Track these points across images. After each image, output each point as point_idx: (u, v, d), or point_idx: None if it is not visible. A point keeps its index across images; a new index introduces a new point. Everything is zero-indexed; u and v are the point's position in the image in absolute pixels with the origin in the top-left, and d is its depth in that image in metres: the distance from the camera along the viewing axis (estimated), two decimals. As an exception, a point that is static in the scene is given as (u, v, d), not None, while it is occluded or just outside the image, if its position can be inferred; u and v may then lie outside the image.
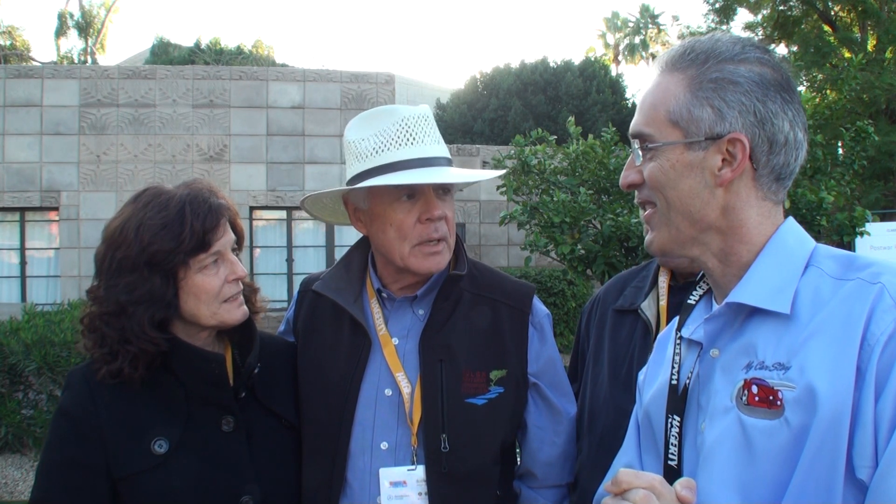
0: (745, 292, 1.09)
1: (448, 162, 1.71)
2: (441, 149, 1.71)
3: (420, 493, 1.63)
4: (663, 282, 1.93)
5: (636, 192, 1.21)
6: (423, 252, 1.67)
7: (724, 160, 1.10)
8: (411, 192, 1.66)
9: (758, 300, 1.07)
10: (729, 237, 1.13)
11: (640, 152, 1.16)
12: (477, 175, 1.77)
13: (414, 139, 1.67)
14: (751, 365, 1.06)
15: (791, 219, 1.16)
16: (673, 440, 1.15)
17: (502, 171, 1.91)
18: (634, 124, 1.17)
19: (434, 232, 1.66)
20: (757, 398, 1.02)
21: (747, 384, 1.04)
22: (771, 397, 1.01)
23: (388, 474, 1.64)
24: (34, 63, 26.27)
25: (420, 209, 1.66)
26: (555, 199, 7.61)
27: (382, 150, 1.66)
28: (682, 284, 1.89)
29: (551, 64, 25.15)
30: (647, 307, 1.91)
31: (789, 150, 1.11)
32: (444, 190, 1.70)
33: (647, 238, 1.21)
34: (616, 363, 1.92)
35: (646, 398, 1.29)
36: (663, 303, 1.90)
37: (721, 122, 1.09)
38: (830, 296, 1.04)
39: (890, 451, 0.92)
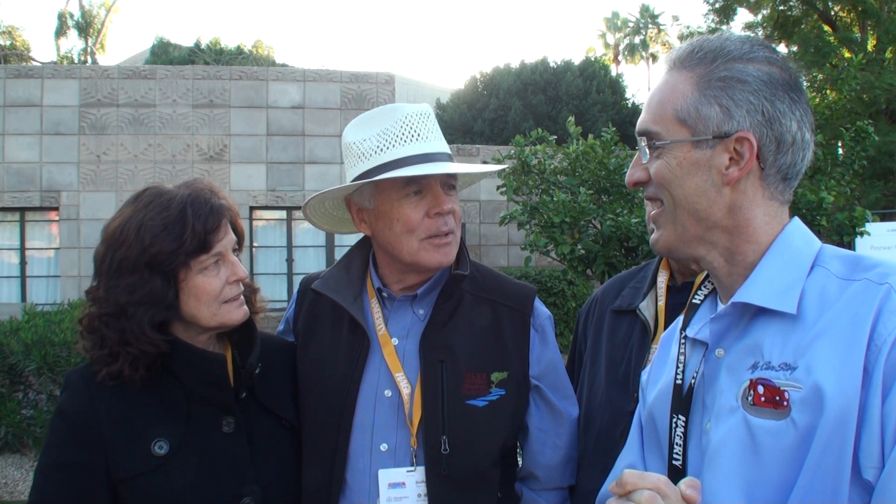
0: (751, 292, 1.09)
1: (450, 157, 1.73)
2: (443, 145, 1.73)
3: (419, 495, 1.62)
4: (662, 282, 1.92)
5: (643, 190, 1.21)
6: (432, 245, 1.67)
7: (731, 159, 1.09)
8: (419, 188, 1.66)
9: (764, 300, 1.07)
10: (735, 236, 1.12)
11: (647, 150, 1.16)
12: (483, 167, 1.81)
13: (418, 136, 1.68)
14: (757, 365, 1.06)
15: (797, 219, 1.16)
16: (677, 440, 1.15)
17: (504, 166, 1.96)
18: (641, 122, 1.17)
19: (444, 226, 1.67)
20: (763, 398, 1.02)
21: (753, 384, 1.04)
22: (777, 397, 1.01)
23: (387, 476, 1.63)
24: (34, 63, 26.27)
25: (428, 204, 1.67)
26: (555, 199, 7.61)
27: (386, 148, 1.67)
28: (681, 285, 1.89)
29: (551, 64, 25.18)
30: (646, 307, 1.90)
31: (796, 149, 1.11)
32: (449, 185, 1.71)
33: (653, 236, 1.20)
34: (613, 363, 1.91)
35: (649, 398, 1.28)
36: (661, 303, 1.89)
37: (729, 121, 1.09)
38: (837, 296, 1.04)
39: None
